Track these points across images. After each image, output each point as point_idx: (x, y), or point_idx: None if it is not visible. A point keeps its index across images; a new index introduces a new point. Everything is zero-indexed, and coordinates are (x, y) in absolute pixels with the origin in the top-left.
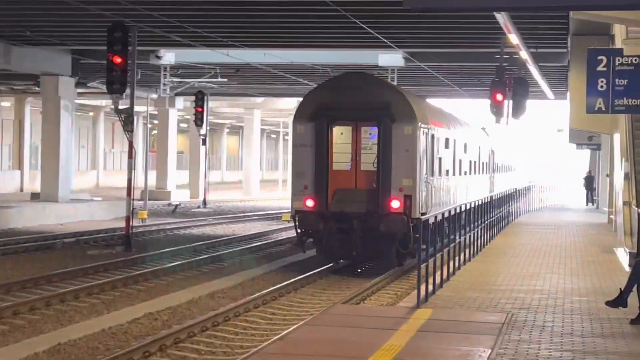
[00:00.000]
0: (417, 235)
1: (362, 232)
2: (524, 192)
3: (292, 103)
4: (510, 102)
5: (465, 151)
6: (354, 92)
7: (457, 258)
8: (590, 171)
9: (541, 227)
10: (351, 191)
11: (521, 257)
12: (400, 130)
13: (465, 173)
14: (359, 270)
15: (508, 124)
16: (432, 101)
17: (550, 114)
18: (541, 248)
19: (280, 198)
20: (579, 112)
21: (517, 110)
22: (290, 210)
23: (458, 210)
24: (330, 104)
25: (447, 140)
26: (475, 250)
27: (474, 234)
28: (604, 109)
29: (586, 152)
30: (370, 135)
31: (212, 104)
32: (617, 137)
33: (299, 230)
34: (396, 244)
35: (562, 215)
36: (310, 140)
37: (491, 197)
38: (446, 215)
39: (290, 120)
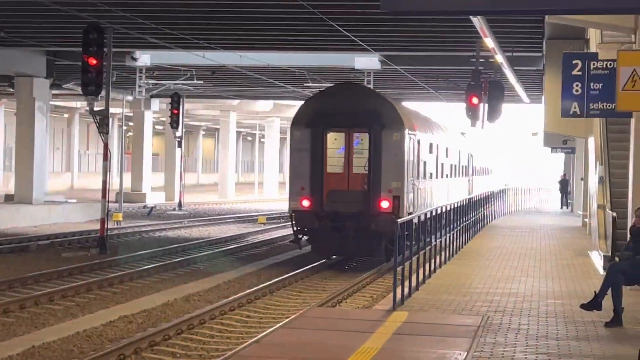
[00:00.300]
0: (407, 233)
1: (355, 230)
2: (500, 195)
3: (268, 105)
4: (486, 105)
5: (446, 155)
6: (347, 101)
7: (433, 260)
8: (565, 175)
9: (516, 230)
10: (344, 192)
11: (496, 260)
12: (389, 137)
13: (446, 176)
14: (347, 268)
15: (483, 127)
16: (408, 104)
17: (526, 117)
18: (516, 251)
19: (256, 200)
20: (554, 116)
21: (493, 113)
22: (287, 210)
23: (438, 212)
24: (325, 111)
25: (430, 145)
26: (452, 252)
27: (450, 236)
28: (579, 112)
29: (561, 156)
30: (355, 140)
31: (187, 105)
32: (591, 141)
33: (295, 229)
34: (385, 241)
35: (537, 219)
36: (306, 145)
37: (468, 199)
38: (427, 216)
39: (266, 123)
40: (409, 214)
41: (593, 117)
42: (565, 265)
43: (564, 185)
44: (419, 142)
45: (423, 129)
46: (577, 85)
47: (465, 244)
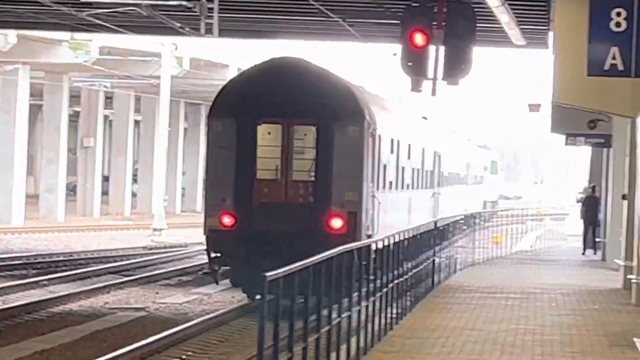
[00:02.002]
0: (364, 263)
1: (294, 257)
2: (471, 223)
3: (6, 40)
4: (442, 49)
5: (408, 156)
6: (286, 82)
7: (333, 355)
8: (593, 188)
9: (498, 295)
10: (281, 206)
11: (457, 354)
12: (343, 131)
13: (407, 187)
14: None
15: (435, 93)
16: (278, 46)
17: (520, 76)
18: (497, 338)
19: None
20: (571, 74)
21: (455, 66)
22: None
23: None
24: (257, 96)
25: (392, 142)
26: (370, 339)
27: (369, 307)
28: (621, 67)
29: (584, 152)
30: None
31: None
32: None
33: (212, 255)
34: None
35: (538, 273)
36: (230, 142)
37: (409, 233)
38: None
39: (0, 76)
40: (368, 237)
41: None
42: None
43: (591, 208)
44: (380, 138)
45: (383, 119)
46: (618, 14)
47: (397, 322)
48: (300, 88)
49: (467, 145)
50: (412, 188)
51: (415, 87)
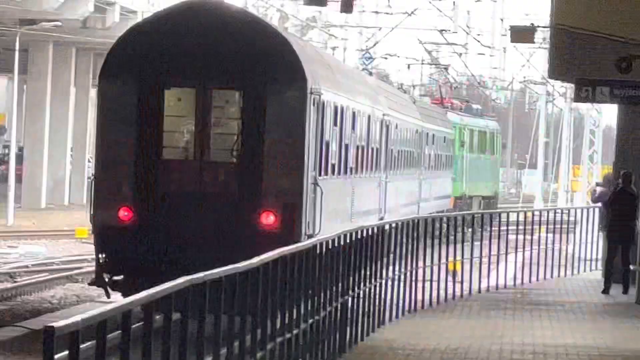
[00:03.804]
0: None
1: (211, 264)
2: (418, 232)
3: None
4: None
5: (353, 128)
6: (203, 34)
7: None
8: (625, 176)
9: None
10: (194, 195)
11: None
12: (279, 98)
13: (350, 171)
14: None
15: (352, 7)
16: None
17: None
18: None
19: None
20: None
21: None
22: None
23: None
24: (163, 52)
25: (336, 110)
26: None
27: None
28: None
29: (609, 111)
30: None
31: None
32: None
33: (102, 259)
34: None
35: (527, 326)
36: (128, 111)
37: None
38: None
39: None
40: (309, 237)
41: None
42: None
43: (620, 211)
44: (324, 105)
45: (326, 79)
46: None
47: None
48: (221, 41)
49: (427, 108)
50: (356, 173)
51: None
